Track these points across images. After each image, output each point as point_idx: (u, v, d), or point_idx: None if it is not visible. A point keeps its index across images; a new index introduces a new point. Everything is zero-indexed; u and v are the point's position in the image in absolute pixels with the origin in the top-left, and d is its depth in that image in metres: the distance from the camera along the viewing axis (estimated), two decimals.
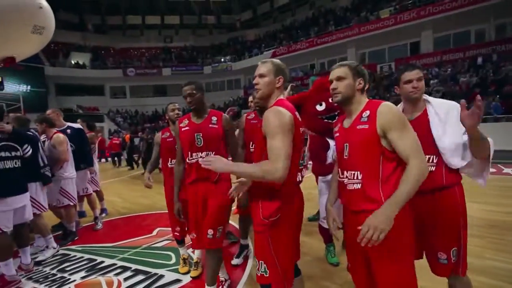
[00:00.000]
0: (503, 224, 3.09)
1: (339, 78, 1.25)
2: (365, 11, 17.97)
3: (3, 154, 2.36)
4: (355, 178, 1.19)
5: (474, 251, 2.41)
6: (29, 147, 2.64)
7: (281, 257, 1.31)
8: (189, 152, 1.82)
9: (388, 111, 1.14)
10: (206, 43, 27.76)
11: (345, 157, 1.24)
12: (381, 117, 1.14)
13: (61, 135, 3.24)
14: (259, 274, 1.34)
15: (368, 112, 1.19)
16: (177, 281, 2.31)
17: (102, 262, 2.70)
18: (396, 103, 1.42)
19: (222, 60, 24.32)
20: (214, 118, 1.87)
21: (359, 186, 1.18)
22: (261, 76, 1.34)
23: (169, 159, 2.43)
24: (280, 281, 1.32)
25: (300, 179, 1.39)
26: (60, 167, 3.18)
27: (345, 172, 1.24)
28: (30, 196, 2.63)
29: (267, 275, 1.31)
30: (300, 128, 1.33)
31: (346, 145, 1.24)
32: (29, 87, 18.23)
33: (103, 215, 4.25)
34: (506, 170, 6.13)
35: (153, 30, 27.86)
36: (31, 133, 2.79)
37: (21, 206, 2.45)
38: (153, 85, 25.22)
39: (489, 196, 4.10)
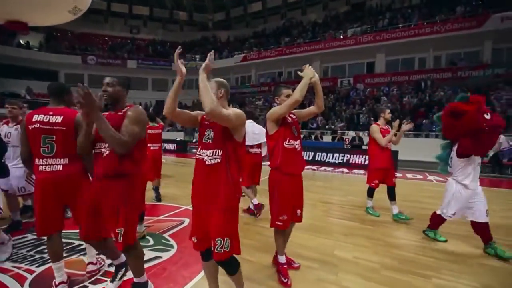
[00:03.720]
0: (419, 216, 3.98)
1: None
2: (331, 28, 19.58)
3: None
4: None
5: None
6: None
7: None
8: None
9: None
10: (177, 39, 27.21)
11: None
12: None
13: None
14: (221, 251, 1.56)
15: None
16: (157, 258, 2.63)
17: (80, 245, 2.86)
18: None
19: (192, 58, 24.10)
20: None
21: None
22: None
23: None
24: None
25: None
26: None
27: None
28: None
29: (229, 249, 1.59)
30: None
31: None
32: None
33: None
34: (430, 177, 7.56)
35: (118, 18, 26.42)
36: None
37: None
38: (116, 76, 23.84)
39: (410, 195, 5.13)
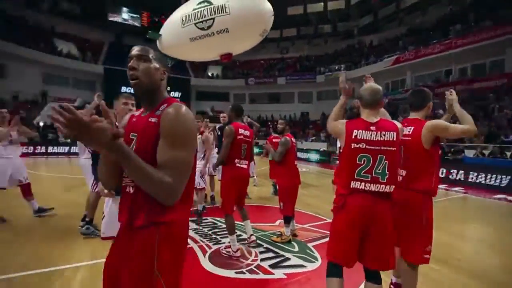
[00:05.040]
0: None
1: None
2: None
3: None
4: None
5: None
6: None
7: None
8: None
9: None
10: (321, 52, 28.08)
11: None
12: None
13: (208, 134, 4.27)
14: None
15: None
16: (301, 266, 2.68)
17: (240, 235, 3.41)
18: None
19: (336, 68, 23.98)
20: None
21: None
22: None
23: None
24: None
25: None
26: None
27: None
28: None
29: None
30: None
31: None
32: (180, 94, 23.89)
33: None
34: None
35: (272, 42, 30.62)
36: None
37: None
38: (268, 93, 27.74)
39: None
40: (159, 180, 0.89)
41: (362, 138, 1.64)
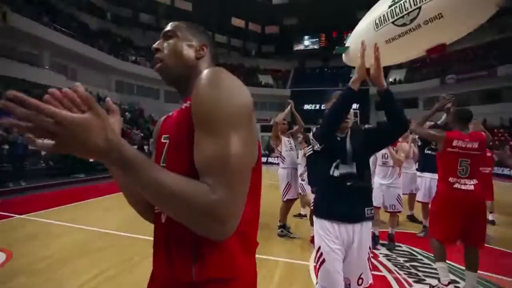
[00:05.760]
0: None
1: None
2: None
3: None
4: None
5: None
6: None
7: None
8: None
9: None
10: None
11: None
12: None
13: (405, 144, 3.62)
14: None
15: None
16: None
17: (455, 281, 2.55)
18: None
19: None
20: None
21: None
22: None
23: None
24: None
25: None
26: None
27: None
28: None
29: None
30: None
31: None
32: (357, 105, 23.21)
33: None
34: None
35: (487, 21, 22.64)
36: None
37: None
38: (480, 90, 20.48)
39: None
40: (193, 198, 0.50)
41: None
